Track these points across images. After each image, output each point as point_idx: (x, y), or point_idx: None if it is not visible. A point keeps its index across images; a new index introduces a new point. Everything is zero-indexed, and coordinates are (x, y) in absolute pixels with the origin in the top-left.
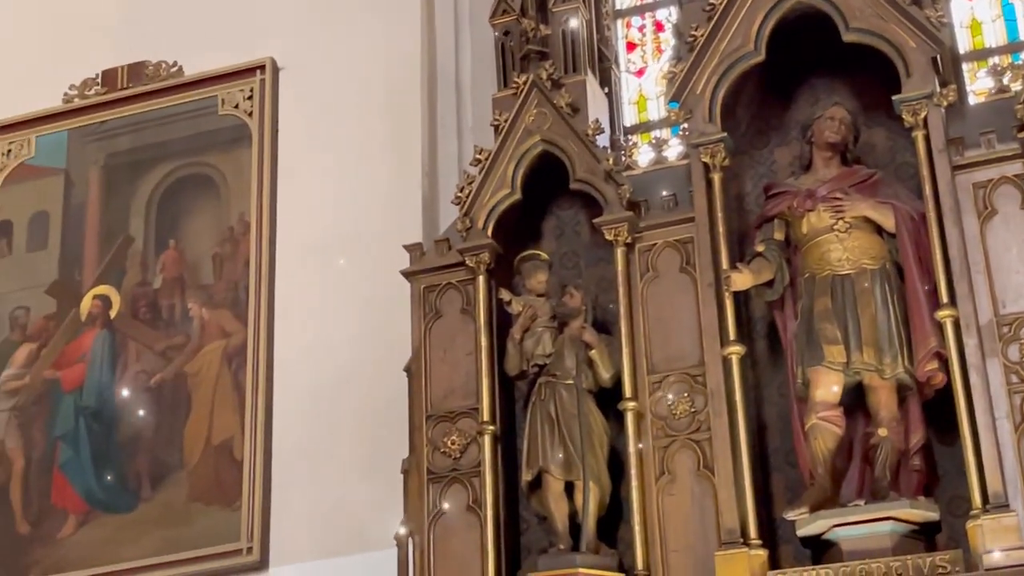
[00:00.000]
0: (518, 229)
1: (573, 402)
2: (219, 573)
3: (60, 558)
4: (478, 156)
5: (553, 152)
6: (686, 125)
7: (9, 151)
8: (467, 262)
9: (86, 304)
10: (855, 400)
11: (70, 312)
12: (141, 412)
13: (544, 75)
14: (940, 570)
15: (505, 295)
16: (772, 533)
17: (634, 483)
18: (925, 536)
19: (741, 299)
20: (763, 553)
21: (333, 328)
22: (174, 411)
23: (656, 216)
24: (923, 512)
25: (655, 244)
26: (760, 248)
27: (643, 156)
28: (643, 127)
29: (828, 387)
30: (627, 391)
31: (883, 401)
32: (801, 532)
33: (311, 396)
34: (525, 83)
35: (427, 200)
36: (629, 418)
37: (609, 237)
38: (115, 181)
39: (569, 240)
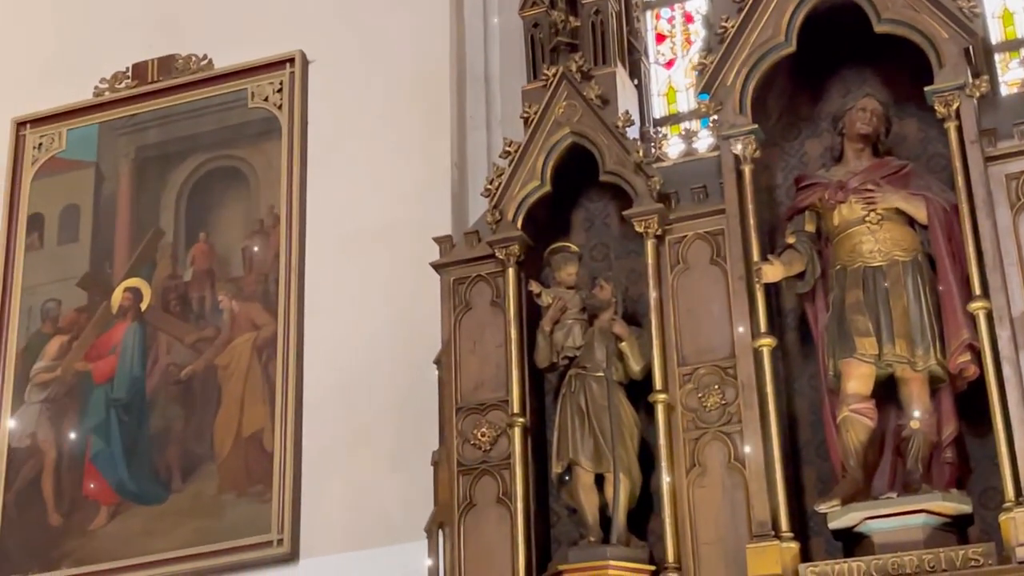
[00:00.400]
0: (548, 221)
1: (603, 394)
2: (249, 565)
3: (92, 549)
4: (507, 148)
5: (583, 144)
6: (716, 117)
7: (40, 144)
8: (497, 254)
9: (117, 297)
10: (887, 392)
11: (101, 305)
12: (172, 405)
13: (574, 67)
14: (972, 563)
15: (535, 287)
16: (803, 526)
17: (665, 475)
18: (957, 529)
19: (772, 291)
20: (794, 546)
21: (363, 320)
22: (204, 403)
23: (686, 208)
24: (955, 505)
25: (685, 236)
26: (791, 240)
27: (673, 148)
28: (673, 119)
29: (860, 379)
30: (657, 383)
31: (915, 393)
32: (833, 525)
33: (341, 388)
34: (555, 75)
35: (456, 193)
36: (659, 410)
37: (639, 229)
38: (145, 174)
39: (599, 232)
